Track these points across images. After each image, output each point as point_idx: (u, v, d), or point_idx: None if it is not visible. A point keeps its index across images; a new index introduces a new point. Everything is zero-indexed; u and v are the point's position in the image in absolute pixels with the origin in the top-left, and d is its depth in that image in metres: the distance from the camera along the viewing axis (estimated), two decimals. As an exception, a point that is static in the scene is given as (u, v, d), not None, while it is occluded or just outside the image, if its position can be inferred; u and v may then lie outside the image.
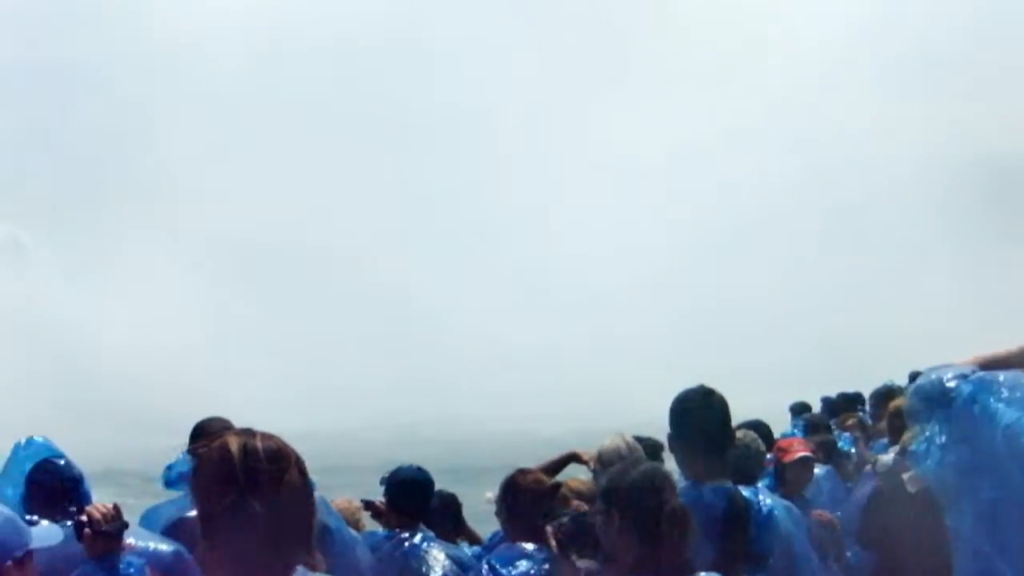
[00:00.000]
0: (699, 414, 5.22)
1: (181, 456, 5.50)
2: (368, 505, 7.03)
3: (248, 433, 2.94)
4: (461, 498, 7.81)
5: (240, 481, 2.82)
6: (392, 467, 6.87)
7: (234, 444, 2.88)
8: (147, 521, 5.35)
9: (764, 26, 59.39)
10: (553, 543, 5.13)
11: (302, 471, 2.93)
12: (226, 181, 52.62)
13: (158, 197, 52.81)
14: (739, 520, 5.12)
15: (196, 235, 51.45)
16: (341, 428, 32.67)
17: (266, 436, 2.93)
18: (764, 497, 5.51)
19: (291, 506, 2.87)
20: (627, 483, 4.26)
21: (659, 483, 4.23)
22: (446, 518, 7.41)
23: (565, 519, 5.15)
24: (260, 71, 53.34)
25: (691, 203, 54.17)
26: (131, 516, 5.57)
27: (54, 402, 37.18)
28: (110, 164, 53.53)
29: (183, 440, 5.78)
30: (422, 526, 6.68)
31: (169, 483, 5.53)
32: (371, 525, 7.14)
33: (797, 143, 57.87)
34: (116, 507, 5.45)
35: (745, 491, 5.38)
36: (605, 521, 4.30)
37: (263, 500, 2.82)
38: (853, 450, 10.47)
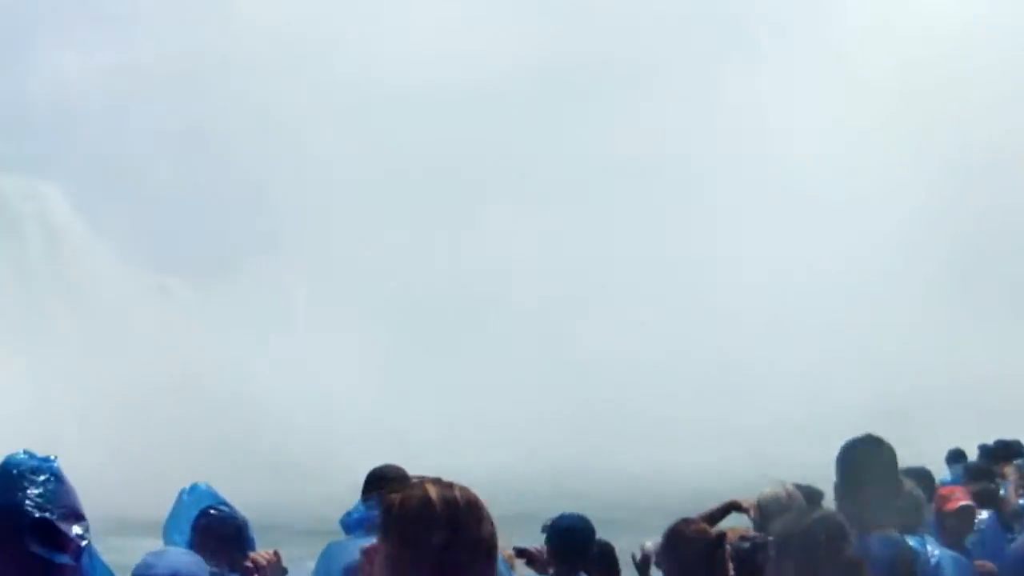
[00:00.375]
0: (868, 463, 5.17)
1: (359, 502, 5.53)
2: (522, 553, 6.98)
3: (443, 482, 3.00)
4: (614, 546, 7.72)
5: (443, 529, 2.88)
6: (546, 513, 6.88)
7: (434, 492, 2.93)
8: (330, 556, 5.37)
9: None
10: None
11: (492, 521, 2.99)
12: (388, 228, 52.99)
13: (314, 244, 53.50)
14: (907, 571, 5.04)
15: (351, 281, 51.48)
16: (507, 474, 32.37)
17: (461, 487, 2.99)
18: (931, 547, 5.44)
19: (483, 554, 2.93)
20: (801, 531, 4.14)
21: (834, 532, 4.12)
22: (603, 567, 7.33)
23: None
24: (419, 119, 53.17)
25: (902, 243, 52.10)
26: (289, 564, 5.66)
27: (210, 450, 37.40)
28: (263, 212, 54.34)
29: (339, 487, 5.79)
30: (582, 574, 6.61)
31: (348, 528, 5.54)
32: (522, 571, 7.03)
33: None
34: (277, 554, 5.55)
35: (911, 540, 5.30)
36: (777, 570, 4.19)
37: (464, 548, 2.89)
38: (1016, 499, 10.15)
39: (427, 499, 2.91)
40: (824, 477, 5.65)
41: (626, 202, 54.71)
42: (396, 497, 2.95)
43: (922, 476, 7.61)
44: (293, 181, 54.98)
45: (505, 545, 6.95)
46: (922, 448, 12.53)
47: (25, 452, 3.52)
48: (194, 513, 5.77)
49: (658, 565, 6.01)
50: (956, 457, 13.58)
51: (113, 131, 54.54)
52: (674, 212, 53.68)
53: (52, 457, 3.51)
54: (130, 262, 52.76)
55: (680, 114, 54.14)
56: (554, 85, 56.47)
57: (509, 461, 39.22)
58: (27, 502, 3.35)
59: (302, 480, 37.41)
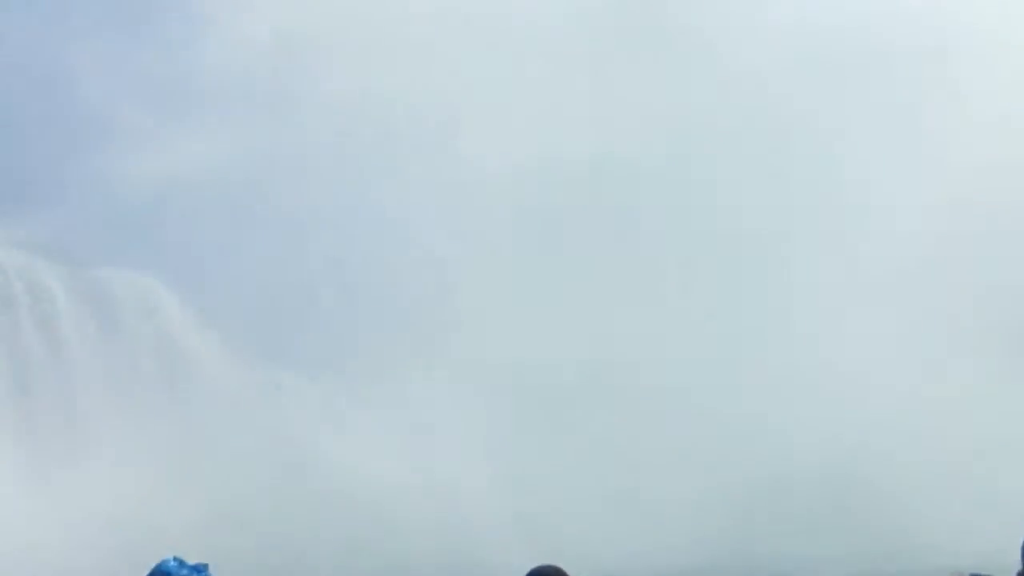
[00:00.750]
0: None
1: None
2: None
3: None
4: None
5: None
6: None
7: None
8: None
9: None
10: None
11: None
12: (516, 304, 49.93)
13: (437, 329, 50.57)
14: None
15: (478, 364, 48.42)
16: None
17: None
18: None
19: None
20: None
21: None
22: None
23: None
24: (543, 191, 51.47)
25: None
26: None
27: (334, 553, 37.56)
28: (381, 299, 51.78)
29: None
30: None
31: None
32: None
33: None
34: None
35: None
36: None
37: None
38: None
39: None
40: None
41: (759, 274, 51.73)
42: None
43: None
44: (410, 267, 52.40)
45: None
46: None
47: (175, 560, 3.56)
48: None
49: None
50: None
51: (222, 220, 52.36)
52: (806, 286, 50.70)
53: (203, 566, 3.60)
54: (239, 356, 50.38)
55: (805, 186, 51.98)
56: (682, 157, 53.19)
57: (676, 549, 35.59)
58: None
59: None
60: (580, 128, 51.81)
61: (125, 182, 51.17)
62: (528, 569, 8.38)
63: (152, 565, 8.05)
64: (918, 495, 43.20)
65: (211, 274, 50.97)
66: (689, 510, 42.74)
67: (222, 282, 50.77)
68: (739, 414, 46.69)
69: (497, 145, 51.90)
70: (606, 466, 44.72)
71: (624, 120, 51.38)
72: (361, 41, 54.38)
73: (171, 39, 54.07)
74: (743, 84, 53.57)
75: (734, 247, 52.17)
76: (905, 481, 44.40)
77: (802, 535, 41.24)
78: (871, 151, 53.13)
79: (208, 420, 46.62)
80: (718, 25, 54.57)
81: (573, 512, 42.71)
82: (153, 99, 53.60)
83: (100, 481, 42.53)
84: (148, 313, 49.49)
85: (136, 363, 47.86)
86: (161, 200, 51.81)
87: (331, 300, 51.94)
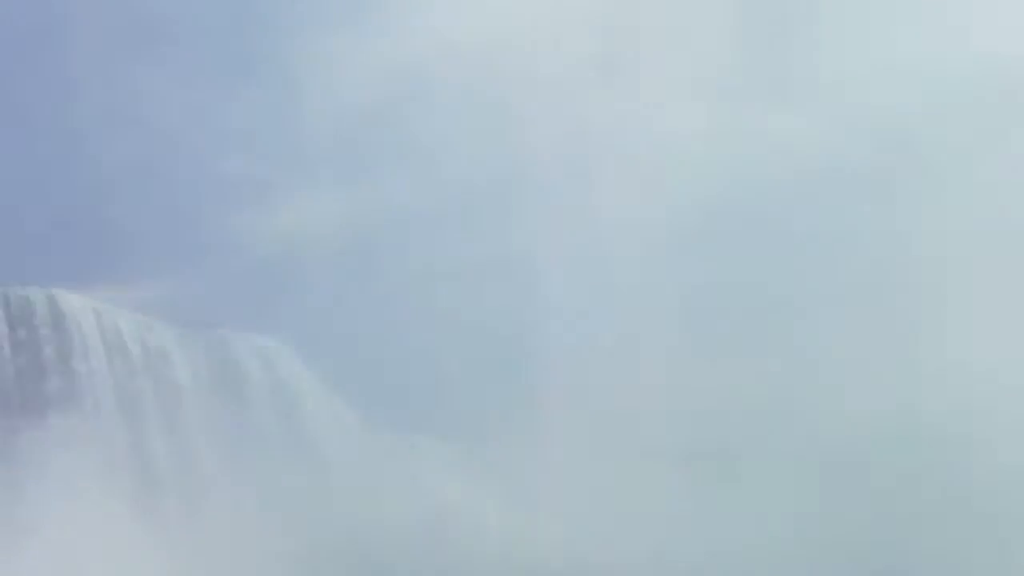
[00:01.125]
0: None
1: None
2: None
3: None
4: None
5: None
6: None
7: None
8: None
9: None
10: None
11: None
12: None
13: (574, 391, 48.50)
14: None
15: (622, 424, 47.20)
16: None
17: None
18: None
19: None
20: None
21: None
22: None
23: None
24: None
25: None
26: None
27: None
28: (517, 364, 49.57)
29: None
30: None
31: None
32: None
33: None
34: None
35: None
36: None
37: None
38: None
39: None
40: None
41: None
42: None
43: None
44: (541, 329, 50.31)
45: None
46: None
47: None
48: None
49: None
50: None
51: (346, 279, 50.91)
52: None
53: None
54: (366, 420, 49.14)
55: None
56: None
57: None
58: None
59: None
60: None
61: (247, 241, 50.14)
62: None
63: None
64: None
65: (335, 336, 49.12)
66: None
67: (346, 344, 48.81)
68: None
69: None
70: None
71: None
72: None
73: (287, 97, 53.15)
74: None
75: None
76: None
77: None
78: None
79: (334, 484, 44.85)
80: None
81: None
82: (273, 155, 52.84)
83: (221, 546, 40.64)
84: (269, 376, 47.69)
85: (257, 426, 45.94)
86: (284, 259, 50.46)
87: (459, 364, 49.52)
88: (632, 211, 50.77)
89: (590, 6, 54.62)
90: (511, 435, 47.47)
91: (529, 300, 50.59)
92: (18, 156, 50.72)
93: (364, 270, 50.96)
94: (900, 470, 44.30)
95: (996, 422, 44.38)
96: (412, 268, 51.20)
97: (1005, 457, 43.09)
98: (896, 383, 46.51)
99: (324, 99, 51.81)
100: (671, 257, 49.89)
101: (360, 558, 40.46)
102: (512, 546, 42.14)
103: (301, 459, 45.45)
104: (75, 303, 43.68)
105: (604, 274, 50.74)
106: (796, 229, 50.70)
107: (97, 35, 51.48)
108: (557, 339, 49.55)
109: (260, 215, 50.62)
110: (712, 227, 50.74)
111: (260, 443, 45.15)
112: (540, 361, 49.22)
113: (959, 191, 49.42)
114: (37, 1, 53.38)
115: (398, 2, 54.35)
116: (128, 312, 45.57)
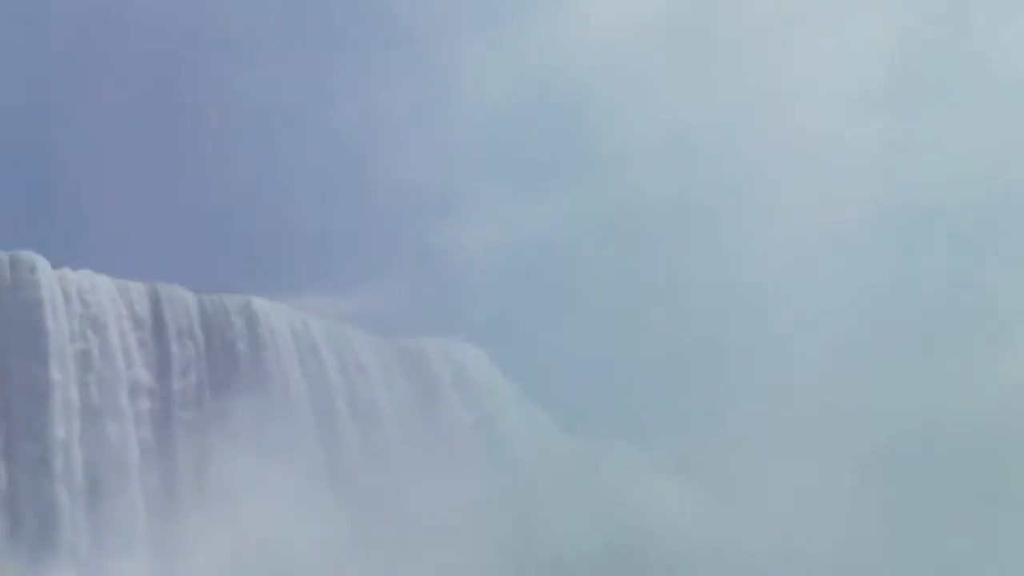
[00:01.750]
0: None
1: None
2: None
3: None
4: None
5: None
6: None
7: None
8: None
9: None
10: None
11: None
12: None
13: (769, 389, 46.96)
14: None
15: (816, 425, 45.55)
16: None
17: None
18: None
19: None
20: None
21: None
22: None
23: None
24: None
25: None
26: None
27: None
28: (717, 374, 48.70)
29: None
30: None
31: None
32: None
33: None
34: None
35: None
36: None
37: None
38: None
39: None
40: None
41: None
42: None
43: None
44: (738, 338, 49.47)
45: None
46: None
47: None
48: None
49: None
50: None
51: (548, 291, 51.45)
52: None
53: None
54: (563, 427, 49.04)
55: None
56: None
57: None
58: None
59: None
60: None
61: (454, 252, 50.90)
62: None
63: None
64: None
65: (536, 347, 49.47)
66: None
67: (546, 351, 49.20)
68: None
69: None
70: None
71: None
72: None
73: (485, 109, 53.62)
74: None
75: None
76: None
77: None
78: None
79: (528, 489, 44.16)
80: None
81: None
82: (479, 169, 53.21)
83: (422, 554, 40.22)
84: (462, 378, 47.70)
85: (449, 424, 45.90)
86: (490, 270, 51.01)
87: (661, 375, 48.74)
88: (825, 215, 49.89)
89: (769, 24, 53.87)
90: (709, 439, 46.78)
91: (727, 304, 50.03)
92: (238, 167, 52.26)
93: (565, 279, 51.13)
94: None
95: None
96: (611, 278, 51.06)
97: None
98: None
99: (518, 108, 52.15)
100: (866, 259, 49.38)
101: (553, 557, 39.88)
102: (717, 542, 41.61)
103: (494, 457, 45.25)
104: (269, 308, 44.20)
105: (800, 277, 49.44)
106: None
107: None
108: (755, 343, 48.78)
109: (461, 226, 51.23)
110: (901, 231, 50.28)
111: (452, 441, 45.04)
112: (739, 366, 48.30)
113: None
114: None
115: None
116: (323, 319, 45.99)
